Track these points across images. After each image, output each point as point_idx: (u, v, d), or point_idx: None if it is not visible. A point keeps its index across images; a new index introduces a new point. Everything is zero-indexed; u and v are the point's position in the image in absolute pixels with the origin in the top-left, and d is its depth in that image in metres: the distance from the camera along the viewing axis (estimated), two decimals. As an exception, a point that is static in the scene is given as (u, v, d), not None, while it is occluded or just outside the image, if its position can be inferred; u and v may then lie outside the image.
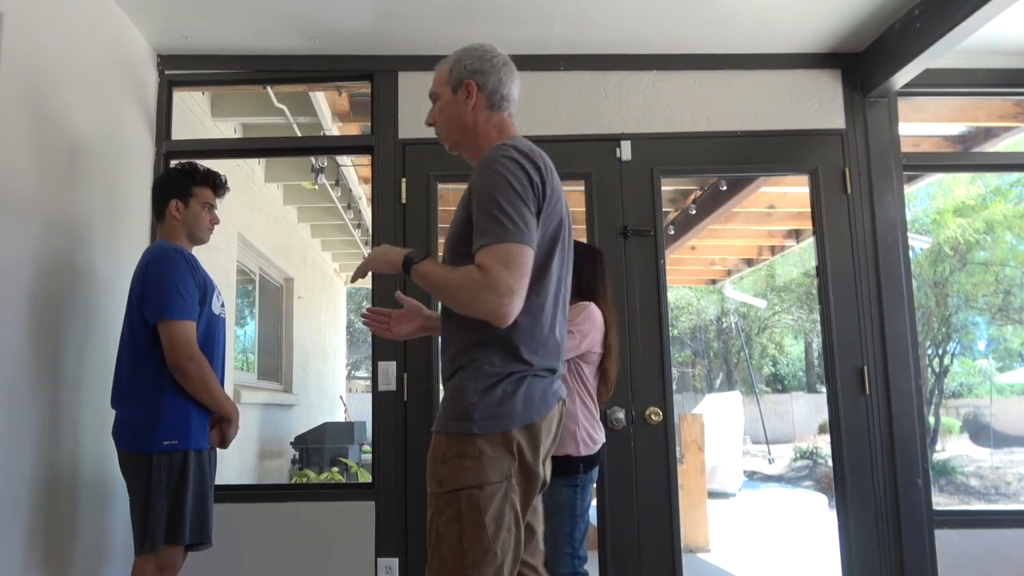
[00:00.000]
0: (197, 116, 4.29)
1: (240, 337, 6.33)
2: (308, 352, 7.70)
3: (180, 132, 3.49)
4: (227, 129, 4.70)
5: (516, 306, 1.63)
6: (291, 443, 6.53)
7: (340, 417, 9.06)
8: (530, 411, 1.71)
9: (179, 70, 3.39)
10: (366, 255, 1.79)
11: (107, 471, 2.74)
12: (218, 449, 2.54)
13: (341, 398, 9.51)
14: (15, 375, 2.33)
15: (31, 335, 2.40)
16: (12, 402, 2.31)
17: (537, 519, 1.88)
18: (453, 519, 1.65)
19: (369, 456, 3.62)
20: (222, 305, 2.61)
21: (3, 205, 2.26)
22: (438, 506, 1.69)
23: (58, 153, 2.58)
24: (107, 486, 2.77)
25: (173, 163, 2.74)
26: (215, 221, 2.64)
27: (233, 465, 5.16)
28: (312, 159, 5.26)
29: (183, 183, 2.57)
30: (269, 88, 4.06)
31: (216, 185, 2.62)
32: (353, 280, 1.91)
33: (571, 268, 1.89)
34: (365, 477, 5.92)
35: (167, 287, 2.36)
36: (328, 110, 4.35)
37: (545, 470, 1.81)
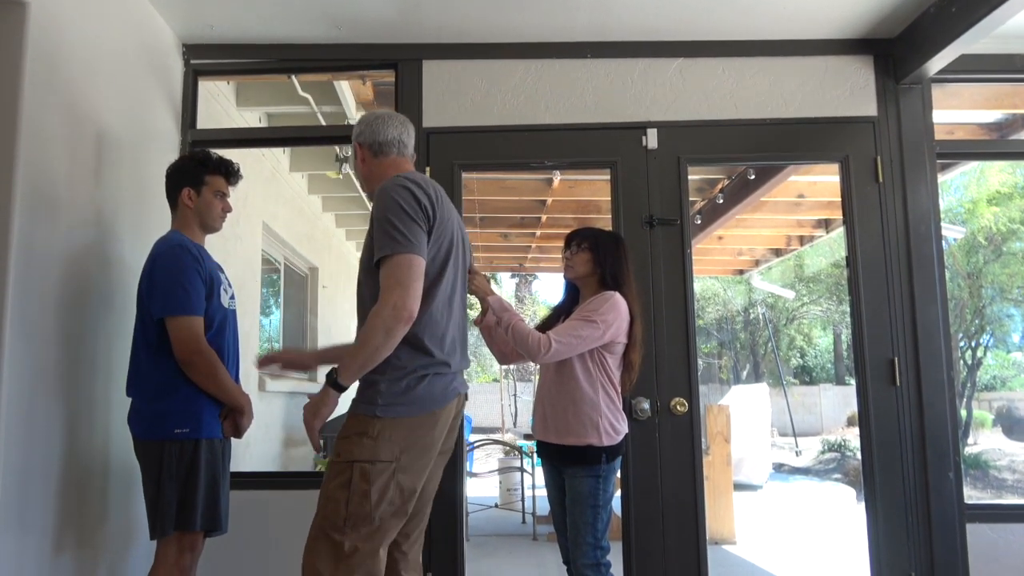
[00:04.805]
0: (222, 105, 4.31)
1: (265, 326, 6.38)
2: (333, 341, 7.73)
3: (205, 122, 3.51)
4: (252, 118, 4.72)
5: (413, 301, 1.94)
6: (316, 431, 6.56)
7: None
8: (429, 403, 2.04)
9: (204, 59, 3.40)
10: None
11: (135, 458, 2.77)
12: (233, 439, 2.55)
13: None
14: (48, 365, 2.36)
15: (63, 325, 2.43)
16: (45, 391, 2.34)
17: (426, 503, 2.24)
18: (343, 485, 1.97)
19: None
20: (231, 297, 2.61)
21: (33, 197, 2.29)
22: (332, 473, 2.00)
23: (85, 144, 2.60)
24: (136, 473, 2.80)
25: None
26: (227, 209, 2.63)
27: (258, 453, 5.21)
28: (336, 148, 5.27)
29: (195, 171, 2.57)
30: (294, 77, 4.06)
31: (228, 173, 2.62)
32: (317, 448, 2.24)
33: (466, 281, 2.29)
34: (390, 466, 5.94)
35: (171, 283, 2.37)
36: (352, 99, 4.35)
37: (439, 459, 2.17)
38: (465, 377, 2.28)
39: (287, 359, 2.60)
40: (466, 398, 2.27)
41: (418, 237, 2.00)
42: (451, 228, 2.15)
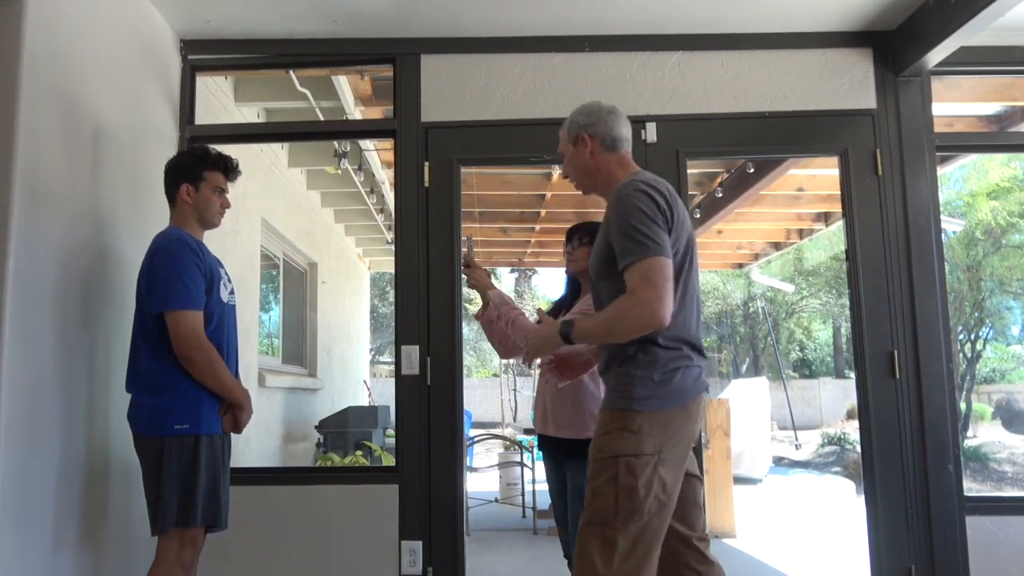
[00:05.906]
0: (220, 101, 4.30)
1: (265, 322, 6.38)
2: (332, 336, 7.75)
3: (203, 117, 3.50)
4: (250, 114, 4.71)
5: (666, 308, 1.92)
6: (315, 427, 6.59)
7: (364, 401, 9.13)
8: (683, 395, 2.02)
9: (202, 55, 3.39)
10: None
11: (135, 454, 2.77)
12: (233, 434, 2.55)
13: (365, 382, 9.57)
14: (46, 363, 2.35)
15: (62, 322, 2.42)
16: (44, 388, 2.34)
17: (693, 490, 2.18)
18: (610, 480, 1.96)
19: (393, 440, 3.64)
20: (231, 292, 2.60)
21: (31, 193, 2.28)
22: (597, 469, 2.00)
23: (82, 140, 2.59)
24: (136, 469, 2.80)
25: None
26: (226, 205, 2.62)
27: (258, 448, 5.21)
28: (335, 144, 5.26)
29: (194, 167, 2.56)
30: (292, 72, 4.06)
31: (227, 169, 2.61)
32: (528, 364, 2.44)
33: (698, 273, 2.19)
34: (389, 461, 5.96)
35: (171, 278, 2.36)
36: (351, 94, 4.34)
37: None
38: None
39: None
40: (707, 393, 2.21)
41: (663, 240, 1.99)
42: (686, 225, 2.13)
